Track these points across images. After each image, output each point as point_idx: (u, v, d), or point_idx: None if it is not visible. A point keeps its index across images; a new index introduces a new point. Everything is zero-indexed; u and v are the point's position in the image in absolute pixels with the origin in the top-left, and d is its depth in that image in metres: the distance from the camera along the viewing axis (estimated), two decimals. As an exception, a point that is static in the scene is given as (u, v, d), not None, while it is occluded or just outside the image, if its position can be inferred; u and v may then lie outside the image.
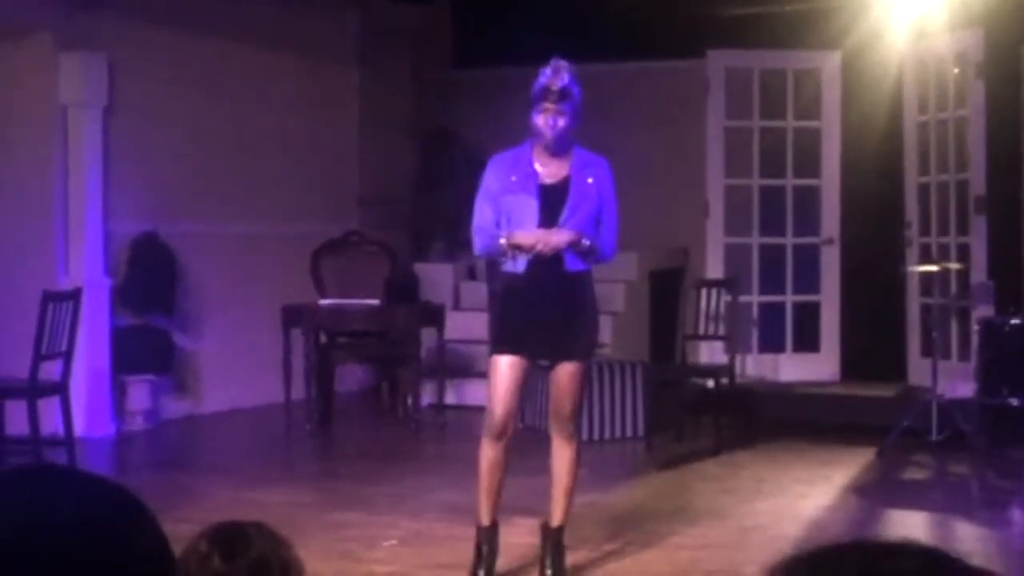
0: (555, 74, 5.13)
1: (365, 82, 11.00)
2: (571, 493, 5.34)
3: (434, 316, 9.24)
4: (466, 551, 5.69)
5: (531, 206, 5.13)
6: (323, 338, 9.33)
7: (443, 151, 11.39)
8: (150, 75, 9.06)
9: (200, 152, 9.47)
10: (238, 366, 9.59)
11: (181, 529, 2.03)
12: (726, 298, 8.71)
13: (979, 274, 8.85)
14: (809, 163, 9.90)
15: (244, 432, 9.21)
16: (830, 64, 9.77)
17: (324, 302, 9.31)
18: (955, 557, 1.06)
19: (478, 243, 5.29)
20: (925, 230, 9.44)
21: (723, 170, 9.90)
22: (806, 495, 6.90)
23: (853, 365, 9.75)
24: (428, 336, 9.27)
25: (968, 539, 6.02)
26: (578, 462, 5.36)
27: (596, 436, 8.50)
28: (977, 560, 1.09)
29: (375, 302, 9.06)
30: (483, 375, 9.77)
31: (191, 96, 9.37)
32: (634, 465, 8.01)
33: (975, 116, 8.89)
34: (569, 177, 5.17)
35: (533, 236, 5.07)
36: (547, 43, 10.75)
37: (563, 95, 5.09)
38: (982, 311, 8.61)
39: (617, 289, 10.28)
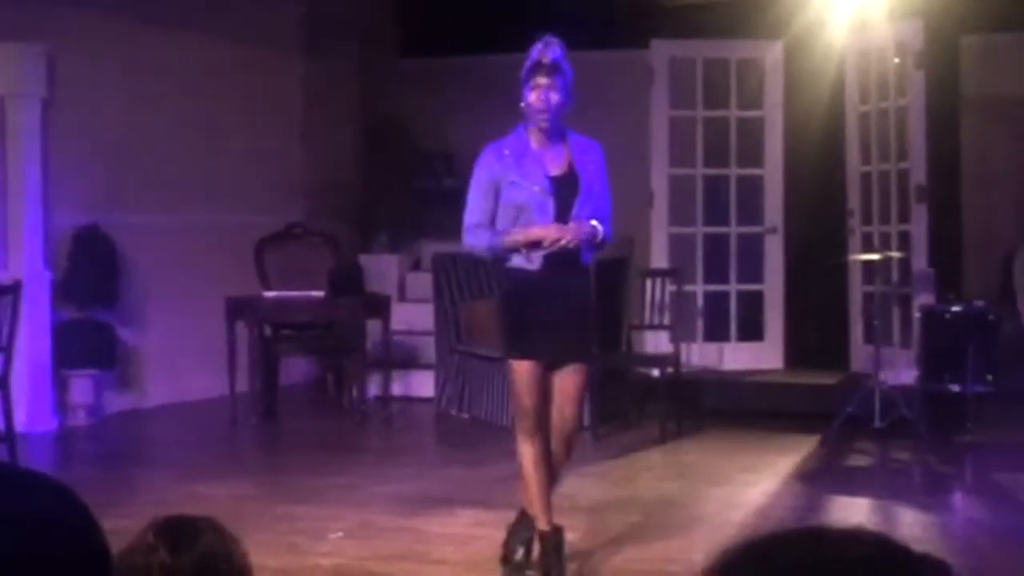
0: (545, 47, 4.94)
1: (310, 72, 10.94)
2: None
3: (379, 307, 9.22)
4: (410, 542, 5.69)
5: (546, 200, 4.91)
6: (267, 330, 9.28)
7: (389, 141, 11.36)
8: (90, 66, 8.96)
9: (142, 143, 9.38)
10: (182, 359, 9.52)
11: (124, 524, 2.01)
12: (671, 287, 8.75)
13: (920, 262, 8.94)
14: (752, 152, 9.95)
15: (188, 426, 9.14)
16: (773, 54, 9.82)
17: (268, 294, 9.26)
18: (903, 544, 1.07)
19: (475, 240, 5.01)
20: (867, 219, 9.53)
21: (667, 160, 9.93)
22: (752, 482, 6.94)
23: (797, 353, 9.82)
24: (373, 328, 9.24)
25: (910, 524, 6.09)
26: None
27: (542, 426, 8.51)
28: (920, 545, 1.10)
29: (320, 294, 9.03)
30: (429, 366, 9.82)
31: (132, 87, 9.28)
32: (581, 455, 7.99)
33: (915, 106, 8.97)
34: (574, 165, 4.97)
35: (556, 230, 4.85)
36: (492, 33, 10.80)
37: (554, 68, 4.90)
38: (923, 298, 8.70)
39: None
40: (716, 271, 9.98)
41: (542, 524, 5.04)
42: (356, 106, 11.26)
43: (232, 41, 10.07)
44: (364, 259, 10.56)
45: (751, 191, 9.96)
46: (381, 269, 10.57)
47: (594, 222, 4.93)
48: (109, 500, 6.00)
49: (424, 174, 11.43)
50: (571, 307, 4.99)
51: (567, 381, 5.04)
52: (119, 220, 9.07)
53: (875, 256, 8.78)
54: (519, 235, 4.90)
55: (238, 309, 8.99)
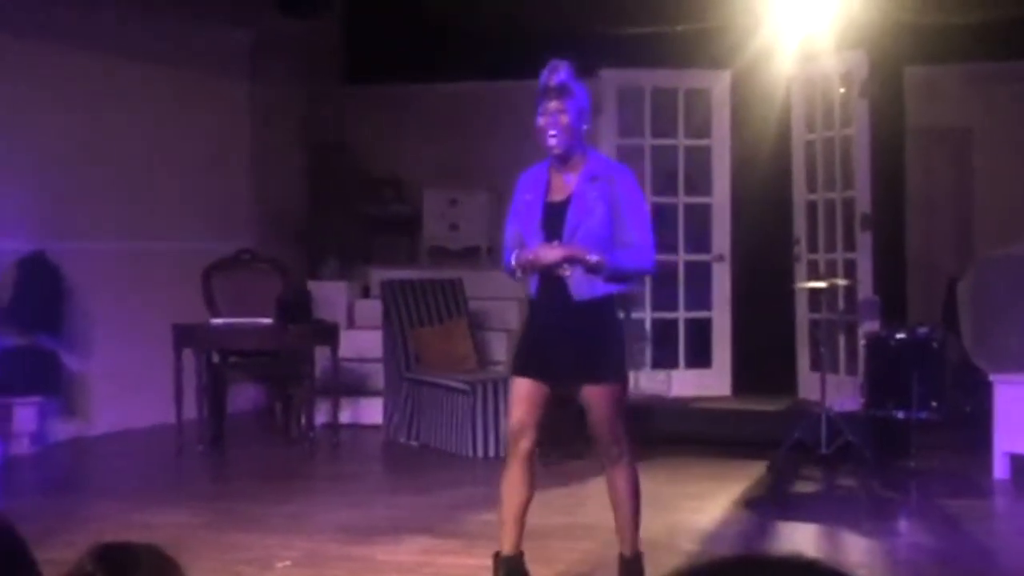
0: (551, 71, 4.89)
1: (256, 97, 10.91)
2: (636, 518, 5.10)
3: (328, 334, 9.18)
4: (357, 571, 5.67)
5: (535, 226, 4.92)
6: (215, 357, 9.22)
7: (336, 167, 11.34)
8: (35, 91, 8.90)
9: (88, 169, 9.32)
10: (128, 386, 9.44)
11: (69, 553, 1.99)
12: (619, 314, 8.76)
13: (865, 290, 9.02)
14: (700, 181, 10.02)
15: (134, 453, 9.06)
16: (720, 83, 9.90)
17: (216, 321, 9.21)
18: (840, 570, 1.08)
19: (503, 264, 5.10)
20: (813, 247, 9.61)
21: (616, 188, 9.96)
22: (699, 509, 6.96)
23: (744, 380, 9.87)
24: (322, 355, 9.20)
25: (856, 550, 6.13)
26: (635, 485, 5.12)
27: (492, 453, 8.51)
28: (864, 572, 1.12)
29: (268, 321, 8.98)
30: (378, 393, 9.79)
31: (78, 112, 9.22)
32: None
33: (860, 134, 9.07)
34: (572, 192, 4.91)
35: (535, 252, 4.85)
36: (438, 59, 10.82)
37: (562, 91, 4.85)
38: (868, 326, 8.77)
39: (511, 307, 10.31)
40: (664, 298, 10.02)
41: (504, 548, 5.04)
42: (303, 132, 11.24)
43: (178, 67, 10.03)
44: (313, 286, 10.53)
45: (699, 219, 10.02)
46: (330, 296, 10.54)
47: (578, 248, 4.82)
48: (53, 529, 5.94)
49: (372, 200, 11.42)
50: (566, 336, 4.90)
51: (586, 401, 4.99)
52: (65, 246, 9.00)
53: (821, 284, 8.84)
54: (513, 259, 4.95)
55: (185, 336, 8.93)
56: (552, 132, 4.85)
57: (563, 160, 4.93)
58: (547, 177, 4.99)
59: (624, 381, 5.08)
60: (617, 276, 4.93)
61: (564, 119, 4.84)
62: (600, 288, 4.90)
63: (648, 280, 9.97)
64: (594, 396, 4.95)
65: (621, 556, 5.17)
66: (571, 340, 4.90)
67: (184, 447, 8.82)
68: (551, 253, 4.84)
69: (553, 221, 4.90)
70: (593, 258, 4.81)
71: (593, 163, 4.97)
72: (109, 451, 9.10)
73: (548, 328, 4.95)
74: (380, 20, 10.98)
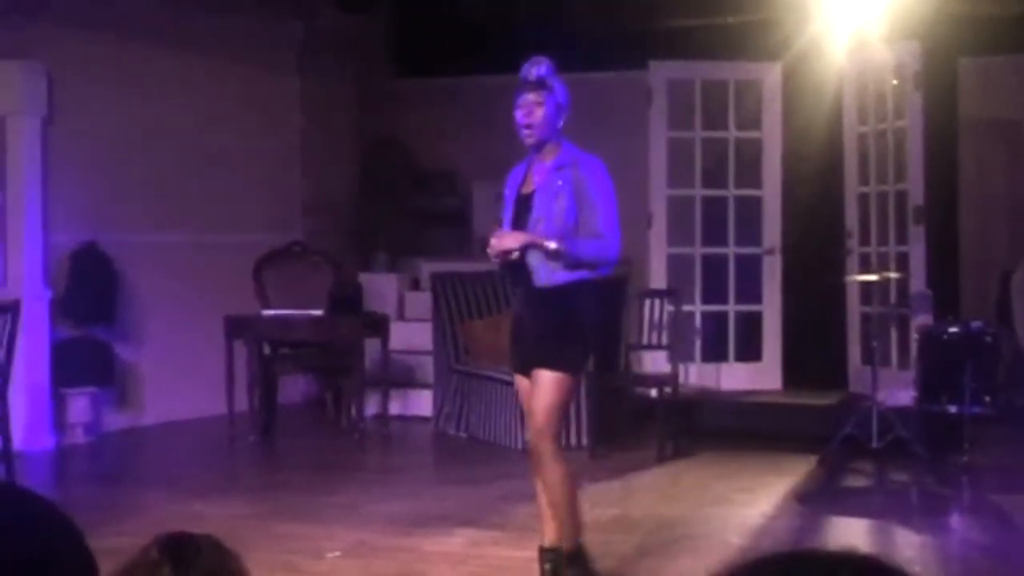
0: (532, 65, 4.93)
1: (307, 91, 10.97)
2: (559, 512, 4.98)
3: (378, 326, 9.22)
4: (407, 562, 5.70)
5: (507, 219, 5.00)
6: (266, 349, 9.29)
7: (386, 160, 11.39)
8: (90, 84, 8.99)
9: (141, 162, 9.40)
10: (180, 377, 9.52)
11: (123, 542, 2.02)
12: (669, 308, 8.76)
13: (918, 283, 8.96)
14: (751, 173, 9.97)
15: (186, 444, 9.14)
16: (771, 76, 9.85)
17: (267, 312, 9.27)
18: (895, 566, 1.08)
19: None
20: (865, 240, 9.54)
21: (666, 181, 9.95)
22: (749, 503, 6.94)
23: (795, 374, 9.82)
24: (372, 346, 9.25)
25: (908, 546, 6.08)
26: (559, 480, 4.95)
27: (540, 446, 8.51)
28: (917, 567, 1.11)
29: (319, 312, 9.04)
30: (427, 385, 9.82)
31: (131, 105, 9.31)
32: (578, 474, 8.01)
33: (913, 127, 9.00)
34: (539, 182, 4.95)
35: (495, 239, 4.89)
36: (487, 53, 10.84)
37: (539, 84, 4.88)
38: (921, 319, 8.71)
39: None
40: (714, 291, 9.99)
41: (545, 539, 5.06)
42: (354, 125, 11.29)
43: (230, 61, 10.10)
44: (363, 278, 10.58)
45: (749, 212, 9.98)
46: (380, 288, 10.58)
47: (532, 236, 4.81)
48: (107, 519, 6.01)
49: (422, 193, 11.46)
50: (531, 324, 4.93)
51: (532, 385, 4.94)
52: (118, 238, 9.09)
53: (873, 277, 8.79)
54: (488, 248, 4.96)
55: (237, 327, 9.00)
56: (527, 123, 4.89)
57: (538, 152, 4.98)
58: (525, 171, 5.06)
59: (575, 374, 4.97)
60: (577, 264, 4.86)
61: (540, 111, 4.88)
62: (562, 275, 4.86)
63: (698, 272, 9.96)
64: (538, 379, 4.88)
65: (547, 550, 5.05)
66: (533, 327, 4.92)
67: (236, 438, 8.89)
68: (509, 240, 4.85)
69: (521, 212, 4.94)
70: (551, 245, 4.79)
71: (563, 154, 4.97)
72: (161, 441, 9.19)
73: (520, 319, 5.01)
74: (430, 14, 11.00)
